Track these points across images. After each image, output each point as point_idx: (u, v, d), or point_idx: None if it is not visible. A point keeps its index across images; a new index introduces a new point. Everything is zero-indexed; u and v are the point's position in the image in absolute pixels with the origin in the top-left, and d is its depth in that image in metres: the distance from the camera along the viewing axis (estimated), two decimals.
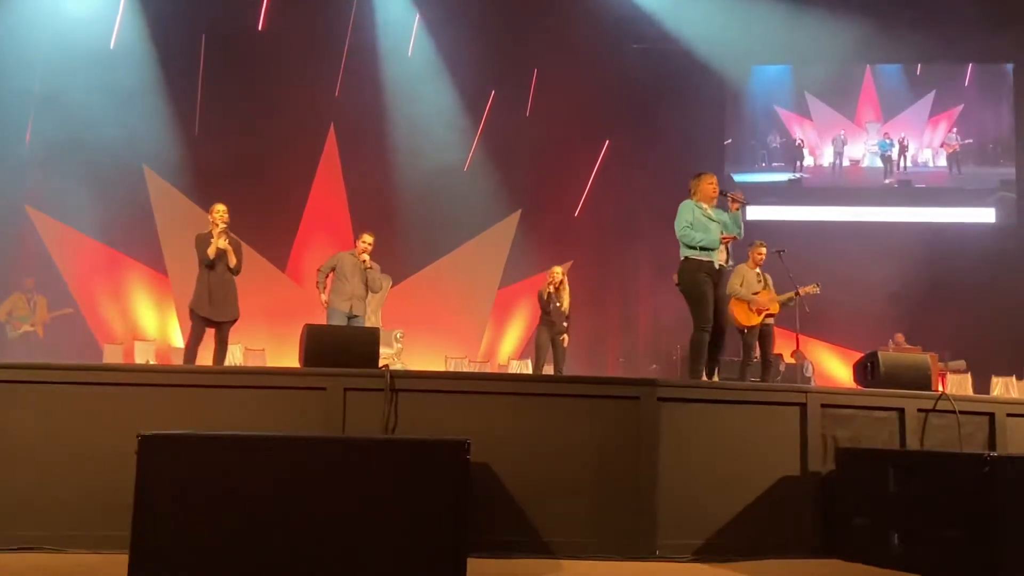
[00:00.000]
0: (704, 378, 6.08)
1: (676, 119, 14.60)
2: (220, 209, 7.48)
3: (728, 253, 6.31)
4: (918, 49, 14.99)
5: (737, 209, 6.36)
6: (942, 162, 15.85)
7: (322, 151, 14.26)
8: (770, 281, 8.62)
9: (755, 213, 15.59)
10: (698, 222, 6.19)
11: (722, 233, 6.24)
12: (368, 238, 8.36)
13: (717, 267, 6.20)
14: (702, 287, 6.11)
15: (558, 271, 9.58)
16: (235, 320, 7.52)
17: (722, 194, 6.40)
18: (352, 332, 6.69)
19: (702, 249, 6.16)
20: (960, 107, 15.77)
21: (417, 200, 13.70)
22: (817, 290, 8.71)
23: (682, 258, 6.28)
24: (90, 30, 12.98)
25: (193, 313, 7.39)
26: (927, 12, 14.19)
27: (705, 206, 6.29)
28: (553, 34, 14.38)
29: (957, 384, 12.12)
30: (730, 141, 16.01)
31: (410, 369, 9.87)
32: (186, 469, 3.64)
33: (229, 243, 7.44)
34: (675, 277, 6.39)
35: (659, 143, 14.30)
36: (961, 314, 13.54)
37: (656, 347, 14.74)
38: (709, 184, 6.35)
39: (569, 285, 9.67)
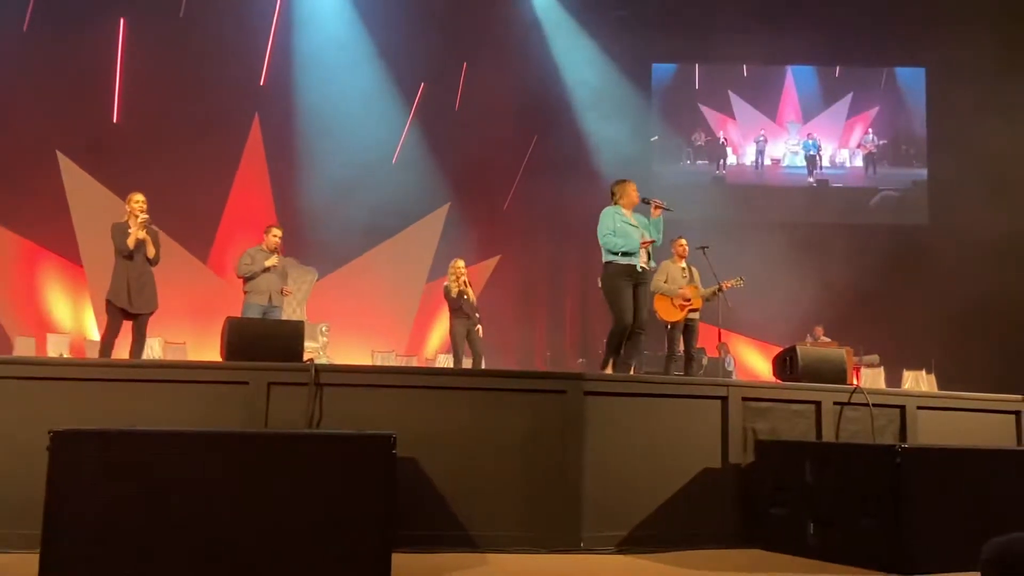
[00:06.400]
0: (609, 370, 6.33)
1: (603, 115, 14.74)
2: (139, 199, 7.28)
3: (649, 255, 6.56)
4: (836, 52, 15.44)
5: (658, 215, 6.63)
6: (859, 163, 16.35)
7: (246, 141, 13.96)
8: (696, 275, 8.75)
9: (679, 210, 15.89)
10: (619, 229, 6.45)
11: (642, 237, 6.48)
12: (279, 232, 8.45)
13: (639, 269, 6.44)
14: (622, 291, 6.37)
15: (462, 264, 9.60)
16: (152, 312, 7.33)
17: (644, 201, 6.67)
18: (276, 325, 6.59)
19: (623, 254, 6.41)
20: (876, 109, 16.30)
21: (344, 192, 13.51)
22: (741, 283, 8.87)
23: (604, 262, 6.52)
24: (2, 11, 12.46)
25: (110, 305, 7.16)
26: (845, 16, 14.61)
27: (625, 212, 6.56)
28: (483, 28, 14.37)
29: (871, 378, 12.49)
30: (656, 138, 16.23)
31: (335, 363, 9.80)
32: (101, 466, 3.53)
33: (148, 233, 7.26)
34: (599, 281, 6.66)
35: (586, 139, 14.41)
36: (874, 310, 14.02)
37: (583, 342, 14.88)
38: (633, 191, 6.63)
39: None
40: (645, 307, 6.59)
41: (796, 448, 4.88)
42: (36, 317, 12.87)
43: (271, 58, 14.04)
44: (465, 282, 9.46)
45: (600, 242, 6.51)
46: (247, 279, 8.18)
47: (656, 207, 6.63)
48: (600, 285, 6.63)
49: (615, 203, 6.60)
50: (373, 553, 3.61)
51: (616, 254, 6.41)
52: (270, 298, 8.13)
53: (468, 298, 9.44)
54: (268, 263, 8.16)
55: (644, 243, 6.48)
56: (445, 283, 9.58)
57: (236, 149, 13.91)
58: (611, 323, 6.46)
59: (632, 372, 6.70)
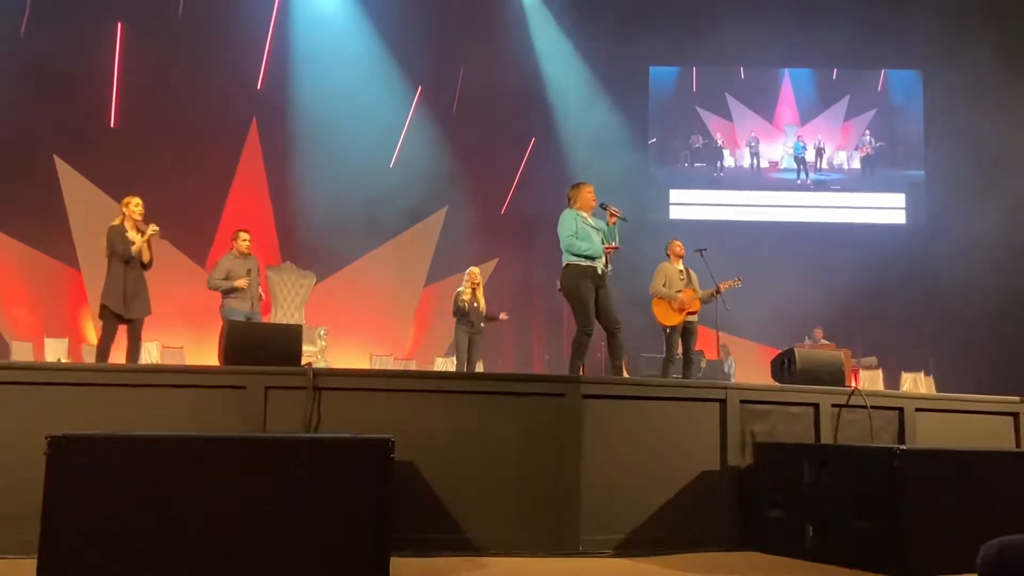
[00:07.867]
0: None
1: (601, 118, 14.75)
2: (138, 203, 7.22)
3: (608, 259, 6.57)
4: (833, 55, 15.46)
5: (614, 223, 6.66)
6: (856, 164, 16.37)
7: (244, 145, 13.95)
8: (694, 277, 8.73)
9: (677, 212, 15.94)
10: (581, 231, 6.48)
11: (604, 242, 6.52)
12: (247, 235, 8.41)
13: (600, 271, 6.47)
14: (584, 293, 6.38)
15: (477, 271, 9.68)
16: (146, 316, 7.26)
17: (601, 206, 6.69)
18: (274, 329, 6.59)
19: (586, 257, 6.44)
20: (873, 111, 16.32)
21: (342, 196, 13.49)
22: (739, 284, 8.86)
23: (564, 264, 6.53)
24: None
25: (106, 310, 7.09)
26: (842, 19, 14.62)
27: (585, 214, 6.58)
28: (481, 32, 14.37)
29: (869, 380, 12.50)
30: (654, 141, 16.24)
31: (334, 367, 9.79)
32: (99, 471, 3.52)
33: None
34: (559, 282, 6.67)
35: (584, 142, 14.42)
36: (872, 312, 14.02)
37: None
38: (589, 193, 6.65)
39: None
40: (613, 305, 6.56)
41: (794, 450, 4.88)
42: (33, 322, 12.84)
43: (268, 62, 14.04)
44: (481, 297, 9.54)
45: (562, 244, 6.52)
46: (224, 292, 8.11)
47: (612, 215, 6.65)
48: (559, 288, 6.63)
49: (571, 206, 6.62)
50: (371, 557, 3.61)
51: (578, 256, 6.44)
52: (252, 304, 8.06)
53: (478, 307, 9.52)
54: (238, 284, 8.00)
55: (608, 248, 6.54)
56: (458, 288, 9.68)
57: (234, 153, 13.89)
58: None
59: (625, 374, 6.70)
